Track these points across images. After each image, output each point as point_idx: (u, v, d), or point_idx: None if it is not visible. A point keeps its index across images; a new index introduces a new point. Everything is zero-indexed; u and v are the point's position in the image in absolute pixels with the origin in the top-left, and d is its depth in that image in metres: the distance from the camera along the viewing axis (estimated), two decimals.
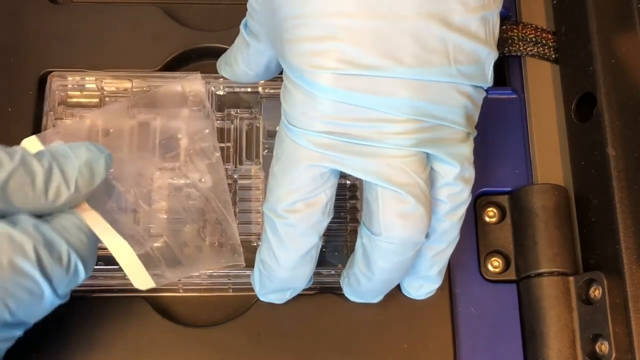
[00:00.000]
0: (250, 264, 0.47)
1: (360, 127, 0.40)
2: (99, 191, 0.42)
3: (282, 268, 0.43)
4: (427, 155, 0.42)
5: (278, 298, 0.46)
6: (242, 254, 0.46)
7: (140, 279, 0.42)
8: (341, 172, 0.42)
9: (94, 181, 0.41)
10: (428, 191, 0.42)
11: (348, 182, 0.50)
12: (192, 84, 0.49)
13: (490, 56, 0.42)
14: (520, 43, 0.54)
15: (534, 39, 0.54)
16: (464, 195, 0.44)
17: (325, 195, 0.42)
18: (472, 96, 0.42)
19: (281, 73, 0.46)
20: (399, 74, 0.40)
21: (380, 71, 0.39)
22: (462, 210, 0.44)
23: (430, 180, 0.43)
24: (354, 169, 0.41)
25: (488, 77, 0.43)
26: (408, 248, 0.42)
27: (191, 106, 0.49)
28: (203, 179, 0.47)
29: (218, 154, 0.48)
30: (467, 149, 0.43)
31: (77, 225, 0.40)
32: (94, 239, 0.41)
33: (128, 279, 0.46)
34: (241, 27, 0.48)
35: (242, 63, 0.48)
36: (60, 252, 0.38)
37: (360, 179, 0.45)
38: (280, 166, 0.42)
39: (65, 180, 0.39)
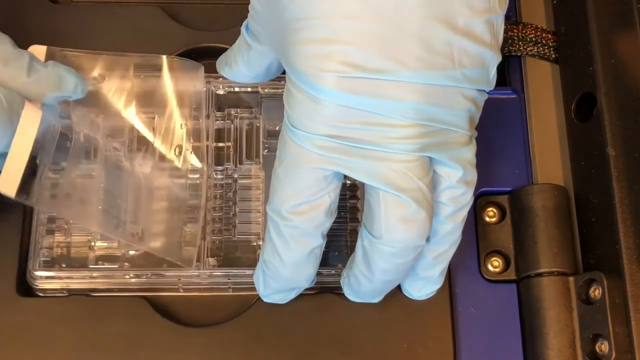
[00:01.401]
0: (251, 264, 0.47)
1: (364, 131, 0.40)
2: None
3: (287, 267, 0.43)
4: (430, 158, 0.42)
5: (282, 298, 0.46)
6: (182, 256, 0.46)
7: (8, 180, 0.43)
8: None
9: (55, 88, 0.44)
10: (430, 196, 0.42)
11: (348, 182, 0.50)
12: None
13: (494, 60, 0.42)
14: (520, 43, 0.54)
15: (534, 39, 0.54)
16: (467, 198, 0.44)
17: (329, 198, 0.42)
18: (475, 100, 0.42)
19: (283, 73, 0.46)
20: (404, 77, 0.39)
21: (386, 74, 0.39)
22: (464, 213, 0.44)
23: (433, 183, 0.43)
24: (357, 173, 0.41)
25: (491, 80, 0.43)
26: (409, 252, 0.42)
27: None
28: (141, 165, 0.48)
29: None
30: (470, 153, 0.43)
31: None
32: (10, 115, 0.42)
33: (128, 278, 0.47)
34: (242, 28, 0.48)
35: (242, 64, 0.48)
36: None
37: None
38: (284, 168, 0.42)
39: (31, 66, 0.43)
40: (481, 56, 0.41)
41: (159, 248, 0.46)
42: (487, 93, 0.43)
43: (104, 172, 0.48)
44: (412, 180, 0.41)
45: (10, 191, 0.43)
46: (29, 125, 0.43)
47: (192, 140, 0.49)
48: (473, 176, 0.44)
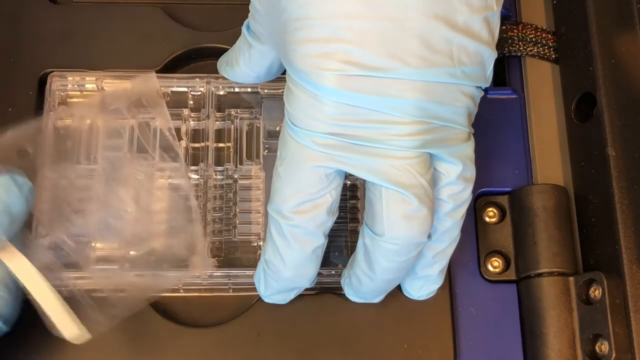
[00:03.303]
0: (251, 264, 0.47)
1: (365, 129, 0.40)
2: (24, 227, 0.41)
3: (288, 267, 0.43)
4: (430, 155, 0.42)
5: (282, 298, 0.46)
6: (198, 262, 0.45)
7: (72, 328, 0.41)
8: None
9: (14, 225, 0.40)
10: (431, 192, 0.42)
11: (348, 182, 0.50)
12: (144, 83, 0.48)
13: (491, 57, 0.42)
14: (520, 43, 0.54)
15: (534, 39, 0.54)
16: (466, 194, 0.44)
17: (331, 196, 0.42)
18: (474, 96, 0.42)
19: (283, 73, 0.46)
20: (404, 75, 0.40)
21: (386, 72, 0.39)
22: (464, 209, 0.44)
23: (433, 180, 0.43)
24: (359, 170, 0.41)
25: (488, 77, 0.43)
26: (411, 249, 0.42)
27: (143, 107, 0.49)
28: (129, 209, 0.47)
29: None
30: (469, 149, 0.43)
31: None
32: (16, 291, 0.40)
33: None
34: (243, 28, 0.48)
35: (244, 64, 0.48)
36: None
37: (361, 179, 0.45)
38: (285, 167, 0.42)
39: None
40: (479, 54, 0.41)
41: (163, 250, 0.46)
42: (483, 90, 0.44)
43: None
44: (413, 177, 0.41)
45: (80, 333, 0.41)
46: (28, 274, 0.40)
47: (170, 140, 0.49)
48: (472, 172, 0.44)
